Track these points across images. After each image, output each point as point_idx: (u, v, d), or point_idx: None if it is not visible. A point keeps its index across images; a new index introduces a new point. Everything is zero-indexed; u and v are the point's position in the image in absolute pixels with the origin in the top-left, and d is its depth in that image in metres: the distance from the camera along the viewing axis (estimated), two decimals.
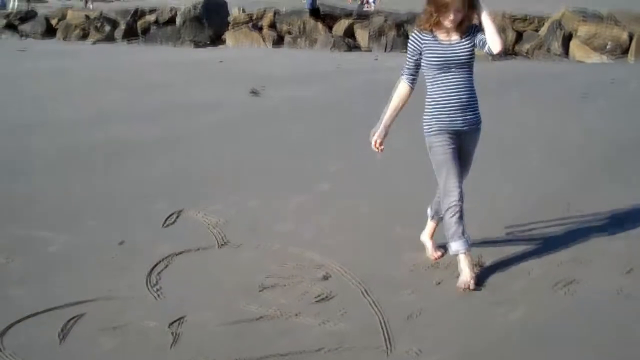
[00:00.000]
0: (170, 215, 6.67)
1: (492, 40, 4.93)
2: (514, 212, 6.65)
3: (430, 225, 5.72)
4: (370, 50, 23.65)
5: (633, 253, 5.75)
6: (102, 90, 14.75)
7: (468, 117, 5.13)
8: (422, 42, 5.08)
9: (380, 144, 5.30)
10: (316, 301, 4.88)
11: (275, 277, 5.26)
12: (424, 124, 5.21)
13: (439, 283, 5.24)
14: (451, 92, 5.07)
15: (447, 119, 5.11)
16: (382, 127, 5.28)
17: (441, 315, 4.75)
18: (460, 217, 5.15)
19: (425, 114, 5.20)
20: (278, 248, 5.85)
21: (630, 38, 21.04)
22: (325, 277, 5.27)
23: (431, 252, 5.66)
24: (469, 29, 5.05)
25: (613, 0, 22.78)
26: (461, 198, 5.12)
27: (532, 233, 6.23)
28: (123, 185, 7.73)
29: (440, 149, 5.13)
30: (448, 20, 4.95)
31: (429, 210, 5.72)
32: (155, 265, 5.47)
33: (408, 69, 5.20)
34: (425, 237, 5.74)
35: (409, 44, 5.20)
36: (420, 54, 5.10)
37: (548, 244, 5.93)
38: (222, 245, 5.96)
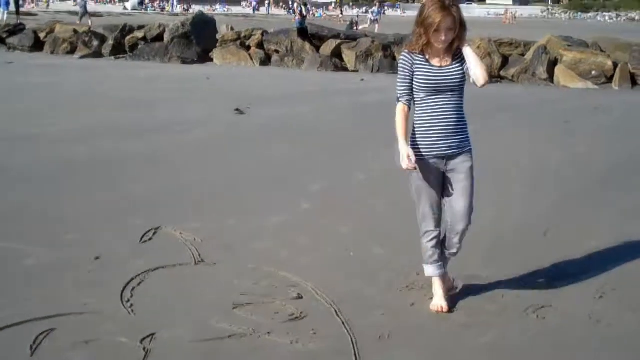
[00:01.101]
0: (148, 232, 6.68)
1: (476, 73, 4.83)
2: (491, 236, 6.69)
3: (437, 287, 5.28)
4: (357, 71, 23.76)
5: (606, 279, 5.80)
6: (86, 105, 14.75)
7: (453, 142, 4.95)
8: (415, 63, 4.92)
9: (410, 160, 4.81)
10: (288, 320, 4.90)
11: (248, 295, 5.27)
12: (411, 147, 4.95)
13: (413, 304, 5.27)
14: (437, 116, 4.91)
15: (430, 144, 4.94)
16: (403, 146, 4.83)
17: (412, 337, 4.77)
18: (437, 244, 5.14)
19: (410, 136, 5.01)
20: (253, 267, 5.86)
21: (615, 66, 21.22)
22: (299, 297, 5.28)
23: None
24: (459, 52, 4.92)
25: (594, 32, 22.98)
26: (438, 226, 5.11)
27: (508, 257, 6.28)
28: (102, 201, 7.73)
29: (421, 175, 5.00)
30: (439, 41, 4.81)
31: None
32: (130, 281, 5.47)
33: (405, 90, 4.96)
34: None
35: (400, 66, 5.00)
36: (413, 74, 4.92)
37: (523, 269, 5.97)
38: (197, 262, 5.97)
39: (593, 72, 21.24)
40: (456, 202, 5.03)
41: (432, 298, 5.23)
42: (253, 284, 5.51)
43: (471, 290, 5.46)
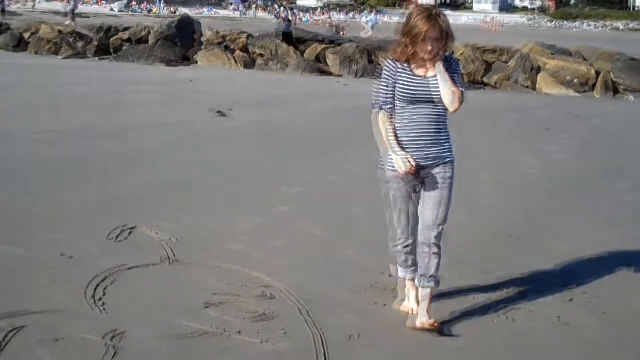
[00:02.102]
0: (123, 231, 6.69)
1: (447, 99, 4.73)
2: (464, 239, 6.74)
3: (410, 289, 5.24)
4: (341, 76, 23.81)
5: (575, 283, 5.86)
6: (67, 105, 14.73)
7: (430, 153, 4.83)
8: (397, 72, 4.82)
9: (410, 164, 4.78)
10: (259, 320, 4.92)
11: (220, 295, 5.30)
12: (387, 156, 4.93)
13: (384, 305, 5.31)
14: (415, 127, 4.81)
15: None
16: (398, 151, 4.80)
17: (381, 338, 4.81)
18: (411, 252, 5.04)
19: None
20: (227, 267, 5.89)
21: (597, 75, 21.37)
22: (270, 297, 5.32)
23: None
24: (445, 61, 4.79)
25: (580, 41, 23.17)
26: (408, 236, 5.00)
27: (480, 260, 6.34)
28: (79, 200, 7.74)
29: (395, 185, 4.93)
30: (425, 52, 4.69)
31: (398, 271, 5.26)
32: (103, 280, 5.49)
33: (386, 98, 4.88)
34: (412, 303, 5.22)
35: (383, 73, 4.90)
36: (395, 82, 4.82)
37: (494, 272, 6.03)
38: (172, 262, 5.99)
39: (575, 80, 21.39)
40: (426, 212, 4.89)
41: (403, 299, 5.27)
42: (226, 283, 5.53)
43: (441, 292, 5.50)
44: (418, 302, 5.08)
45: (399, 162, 4.81)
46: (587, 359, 4.68)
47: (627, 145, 12.95)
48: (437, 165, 4.87)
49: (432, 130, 4.83)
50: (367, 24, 45.43)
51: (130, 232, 6.69)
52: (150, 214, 7.32)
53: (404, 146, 4.83)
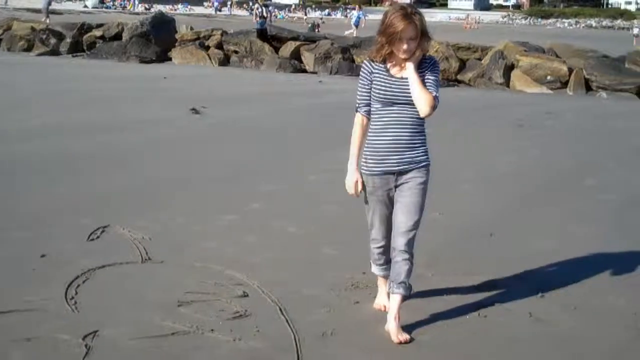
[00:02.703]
0: (96, 230, 6.66)
1: (417, 103, 4.62)
2: (437, 236, 6.76)
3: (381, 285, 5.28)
4: (316, 73, 23.83)
5: (548, 279, 5.91)
6: (39, 103, 14.64)
7: (405, 157, 4.73)
8: (373, 72, 4.74)
9: (357, 188, 4.85)
10: (232, 318, 4.92)
11: (193, 293, 5.29)
12: (361, 159, 4.86)
13: (357, 302, 5.32)
14: (390, 129, 4.71)
15: (380, 158, 4.76)
16: (350, 171, 4.85)
17: (355, 335, 4.82)
18: (384, 252, 5.02)
19: (364, 148, 4.84)
20: (200, 265, 5.88)
21: (570, 71, 21.54)
22: (244, 295, 5.31)
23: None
24: (423, 63, 4.71)
25: (553, 38, 23.32)
26: (383, 239, 4.95)
27: (453, 258, 6.37)
28: (52, 199, 7.70)
29: (369, 189, 4.85)
30: (401, 51, 4.59)
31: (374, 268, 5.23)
32: (75, 279, 5.46)
33: (362, 100, 4.81)
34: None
35: (360, 74, 4.83)
36: (372, 83, 4.74)
37: (467, 269, 6.07)
38: (145, 260, 5.97)
39: (548, 77, 21.55)
40: (397, 218, 4.80)
41: (376, 296, 5.29)
42: (199, 282, 5.52)
43: (415, 289, 5.52)
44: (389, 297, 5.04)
45: (348, 181, 4.86)
46: (558, 354, 4.71)
47: (600, 142, 13.05)
48: (412, 170, 4.77)
49: (407, 134, 4.72)
50: (352, 19, 42.76)
51: (103, 231, 6.66)
52: (123, 212, 7.29)
53: (378, 150, 4.75)
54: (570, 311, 5.33)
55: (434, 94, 4.64)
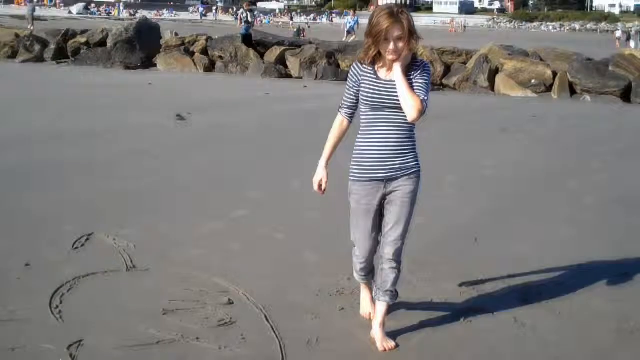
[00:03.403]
0: (80, 238, 6.63)
1: (406, 108, 4.45)
2: (422, 241, 6.76)
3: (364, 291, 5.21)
4: (301, 78, 23.84)
5: (531, 284, 5.94)
6: (23, 110, 14.57)
7: (395, 164, 4.61)
8: (361, 75, 4.61)
9: (321, 186, 4.83)
10: (217, 326, 4.91)
11: (178, 301, 5.28)
12: (350, 165, 4.73)
13: (342, 309, 5.33)
14: (378, 134, 4.58)
15: (368, 165, 4.63)
16: (319, 168, 4.83)
17: (340, 342, 4.82)
18: (365, 267, 4.89)
19: (353, 155, 4.73)
20: (185, 273, 5.87)
21: (555, 75, 21.63)
22: (229, 303, 5.31)
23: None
24: (413, 66, 4.59)
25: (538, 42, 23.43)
26: (367, 255, 4.80)
27: (437, 262, 6.39)
28: (35, 207, 7.66)
29: (355, 197, 4.71)
30: (389, 52, 4.44)
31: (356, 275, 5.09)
32: (59, 288, 5.44)
33: (345, 102, 4.71)
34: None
35: (348, 76, 4.71)
36: (359, 86, 4.62)
37: (452, 274, 6.08)
38: (129, 268, 5.95)
39: (533, 81, 21.64)
40: (386, 227, 4.73)
41: (360, 303, 5.29)
42: (184, 289, 5.51)
43: (400, 294, 5.53)
44: (374, 304, 5.00)
45: (314, 178, 4.84)
46: (544, 358, 4.73)
47: (584, 144, 13.11)
48: (401, 177, 4.65)
49: (396, 139, 4.59)
50: (346, 25, 40.40)
51: (87, 239, 6.63)
52: (108, 220, 7.27)
53: (366, 157, 4.63)
54: (554, 315, 5.35)
55: (422, 97, 4.49)
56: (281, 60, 25.09)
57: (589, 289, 5.90)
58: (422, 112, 4.46)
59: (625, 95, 20.73)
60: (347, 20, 40.11)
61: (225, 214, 7.69)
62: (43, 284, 5.50)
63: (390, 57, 4.47)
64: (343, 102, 4.74)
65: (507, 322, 5.22)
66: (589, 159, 11.64)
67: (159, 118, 14.03)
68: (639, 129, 15.98)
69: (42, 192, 8.30)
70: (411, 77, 4.55)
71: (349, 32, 36.92)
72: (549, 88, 21.59)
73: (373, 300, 5.04)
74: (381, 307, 4.83)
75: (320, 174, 4.83)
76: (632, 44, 46.67)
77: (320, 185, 4.83)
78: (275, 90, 20.12)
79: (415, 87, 4.51)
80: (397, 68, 4.50)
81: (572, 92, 21.26)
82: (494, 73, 22.22)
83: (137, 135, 12.17)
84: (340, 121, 4.78)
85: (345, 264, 5.73)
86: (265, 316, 5.11)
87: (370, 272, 4.97)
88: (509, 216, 8.11)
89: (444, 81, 22.68)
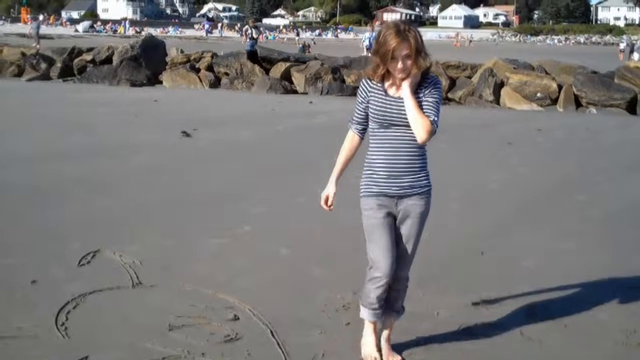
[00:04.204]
0: (86, 255, 6.65)
1: (415, 129, 4.38)
2: (428, 255, 6.73)
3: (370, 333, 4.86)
4: (306, 94, 23.88)
5: (538, 297, 5.93)
6: (30, 129, 14.62)
7: (405, 181, 4.54)
8: (370, 91, 4.53)
9: (328, 203, 4.74)
10: (223, 342, 4.92)
11: (184, 317, 5.28)
12: (361, 182, 4.66)
13: (348, 324, 5.32)
14: (388, 152, 4.51)
15: (380, 182, 4.54)
16: (329, 185, 4.74)
17: (346, 357, 4.81)
18: (383, 292, 4.61)
19: (363, 170, 4.67)
20: (191, 289, 5.87)
21: (560, 88, 21.65)
22: (235, 318, 5.31)
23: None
24: (423, 83, 4.48)
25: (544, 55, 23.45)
26: (389, 273, 4.54)
27: (443, 276, 6.39)
28: (42, 225, 7.68)
29: (370, 213, 4.58)
30: (397, 70, 4.36)
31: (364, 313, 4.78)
32: (66, 304, 5.45)
33: (356, 118, 4.64)
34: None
35: (358, 92, 4.64)
36: (368, 103, 4.55)
37: (458, 288, 6.08)
38: (135, 285, 5.96)
39: (538, 94, 21.66)
40: (399, 248, 4.64)
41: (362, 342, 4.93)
42: (190, 305, 5.52)
43: (406, 308, 5.52)
44: (379, 349, 4.80)
45: (324, 192, 4.74)
46: None
47: (590, 157, 13.11)
48: (413, 195, 4.59)
49: (407, 157, 4.52)
50: (366, 41, 37.25)
51: (93, 256, 6.65)
52: (114, 237, 7.29)
53: (377, 172, 4.55)
54: (561, 329, 5.34)
55: (432, 118, 4.38)
56: (287, 76, 25.15)
57: (596, 302, 5.88)
58: (431, 133, 4.37)
59: (631, 107, 20.75)
60: (366, 37, 38.01)
61: (230, 230, 7.70)
62: (49, 301, 5.51)
63: (398, 75, 4.40)
64: (353, 118, 4.68)
65: (513, 336, 5.20)
66: (594, 172, 11.62)
67: (164, 135, 14.08)
68: None
69: (47, 209, 8.32)
70: (421, 95, 4.45)
71: (368, 49, 33.31)
72: (554, 101, 21.61)
73: (379, 347, 4.81)
74: (389, 321, 4.82)
75: (329, 189, 4.74)
76: (635, 56, 46.58)
77: (327, 201, 4.75)
78: (281, 106, 20.16)
79: (424, 107, 4.42)
80: (406, 87, 4.41)
81: (578, 104, 21.28)
82: (499, 87, 22.24)
83: (143, 152, 12.20)
84: (351, 137, 4.72)
85: (351, 279, 5.76)
86: (271, 331, 5.11)
87: (384, 301, 4.69)
88: (515, 230, 8.10)
89: (450, 95, 22.70)
